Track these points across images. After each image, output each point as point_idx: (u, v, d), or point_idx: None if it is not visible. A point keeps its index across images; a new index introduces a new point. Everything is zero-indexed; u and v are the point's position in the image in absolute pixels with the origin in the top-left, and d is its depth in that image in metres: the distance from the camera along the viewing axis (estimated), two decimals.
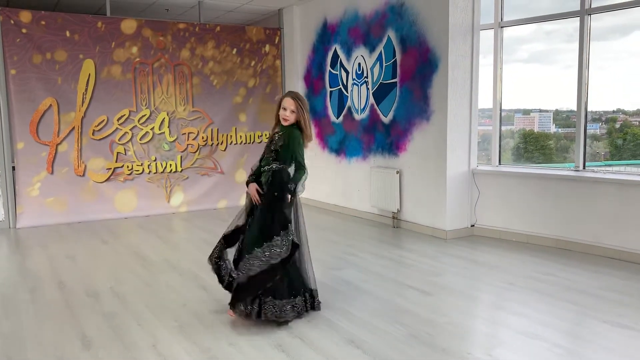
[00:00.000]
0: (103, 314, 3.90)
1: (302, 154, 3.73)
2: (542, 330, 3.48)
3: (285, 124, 3.74)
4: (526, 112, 6.74)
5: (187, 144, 8.06)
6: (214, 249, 3.85)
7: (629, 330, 3.46)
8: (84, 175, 7.40)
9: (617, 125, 5.87)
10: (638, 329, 3.47)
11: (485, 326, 3.73)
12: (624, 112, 5.87)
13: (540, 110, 6.63)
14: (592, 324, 3.60)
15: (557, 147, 6.51)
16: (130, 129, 7.65)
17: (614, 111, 5.92)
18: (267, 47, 8.60)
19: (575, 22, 5.48)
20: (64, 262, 5.37)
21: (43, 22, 6.99)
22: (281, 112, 3.74)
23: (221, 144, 8.34)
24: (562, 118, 6.36)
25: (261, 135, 8.60)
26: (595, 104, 5.57)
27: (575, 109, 5.55)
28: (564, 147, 6.34)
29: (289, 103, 3.71)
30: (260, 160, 3.83)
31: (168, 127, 7.91)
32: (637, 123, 5.76)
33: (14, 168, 7.01)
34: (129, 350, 3.28)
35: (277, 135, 3.78)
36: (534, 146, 6.60)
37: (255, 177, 3.80)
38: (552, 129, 6.52)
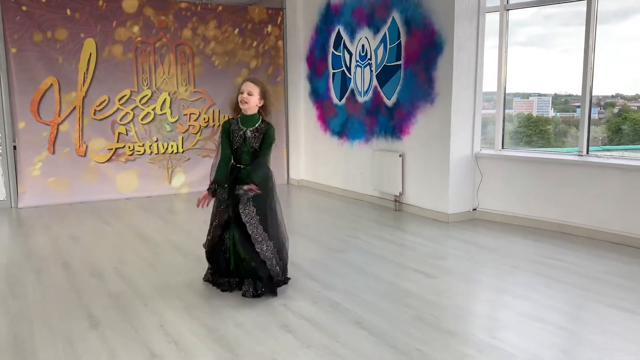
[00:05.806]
0: (109, 294, 3.92)
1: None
2: (545, 314, 3.50)
3: (244, 107, 3.73)
4: (525, 96, 6.72)
5: (189, 125, 8.02)
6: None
7: (632, 314, 3.49)
8: (85, 155, 7.38)
9: (616, 110, 5.87)
10: None
11: (489, 309, 3.76)
12: (623, 97, 5.85)
13: (539, 95, 6.61)
14: (595, 307, 3.63)
15: (556, 131, 6.50)
16: (132, 110, 7.60)
17: (612, 96, 5.90)
18: (270, 28, 8.52)
19: (575, 7, 5.45)
20: (67, 242, 5.38)
21: (43, 0, 6.90)
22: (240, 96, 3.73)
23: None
24: (560, 102, 6.34)
25: None
26: (595, 89, 5.55)
27: (574, 93, 5.54)
28: (562, 132, 6.34)
29: (250, 87, 3.72)
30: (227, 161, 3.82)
31: (169, 107, 7.86)
32: (636, 108, 5.75)
33: (15, 147, 6.98)
34: (136, 331, 3.30)
35: (249, 132, 3.76)
36: (533, 130, 6.60)
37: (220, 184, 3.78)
38: (551, 113, 6.51)
